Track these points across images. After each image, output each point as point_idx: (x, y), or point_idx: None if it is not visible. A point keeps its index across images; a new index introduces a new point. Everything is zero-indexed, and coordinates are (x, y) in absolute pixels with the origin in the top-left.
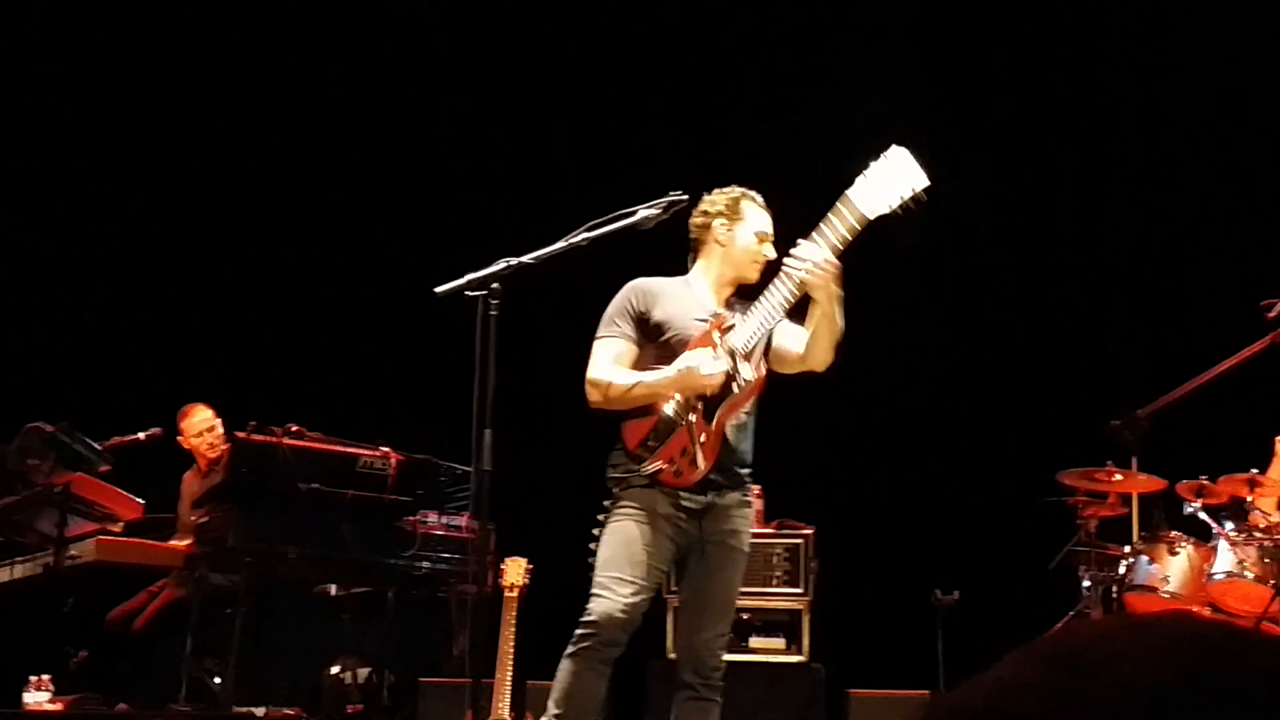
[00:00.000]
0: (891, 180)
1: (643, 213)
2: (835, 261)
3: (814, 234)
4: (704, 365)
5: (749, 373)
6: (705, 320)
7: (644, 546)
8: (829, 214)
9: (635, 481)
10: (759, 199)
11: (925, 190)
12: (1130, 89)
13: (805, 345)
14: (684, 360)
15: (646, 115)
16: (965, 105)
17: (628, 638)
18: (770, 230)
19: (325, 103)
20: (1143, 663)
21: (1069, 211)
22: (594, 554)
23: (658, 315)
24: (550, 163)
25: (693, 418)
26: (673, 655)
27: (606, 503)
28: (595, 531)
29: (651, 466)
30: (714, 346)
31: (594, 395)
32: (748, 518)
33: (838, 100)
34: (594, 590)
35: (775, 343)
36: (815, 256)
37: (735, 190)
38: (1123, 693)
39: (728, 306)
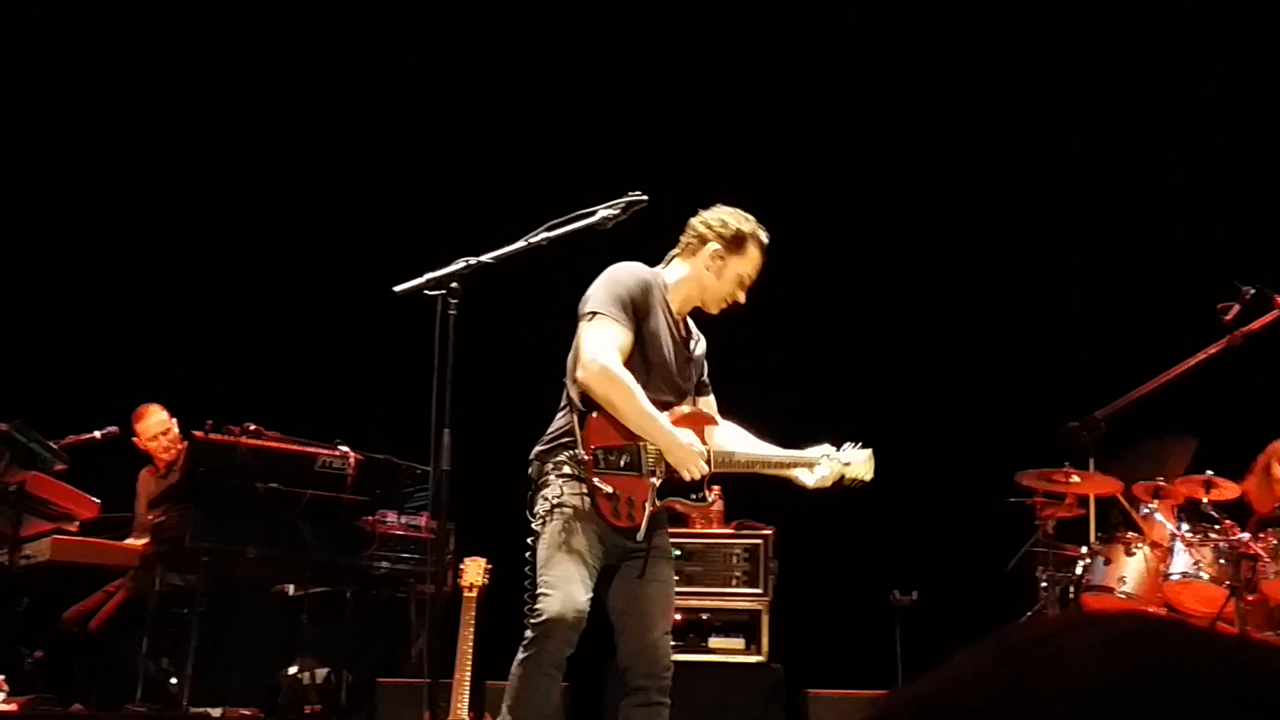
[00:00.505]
0: (859, 463)
1: (602, 213)
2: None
3: (819, 458)
4: (698, 457)
5: (705, 496)
6: (677, 343)
7: (586, 546)
8: (826, 454)
9: (569, 490)
10: (765, 240)
11: (863, 483)
12: (1086, 92)
13: (738, 451)
14: (684, 436)
15: (607, 114)
16: (922, 106)
17: (578, 637)
18: (755, 276)
19: (285, 102)
20: (1091, 658)
21: (1028, 214)
22: (532, 550)
23: (649, 323)
24: (510, 162)
25: (656, 481)
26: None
27: (546, 494)
28: (535, 526)
29: (598, 481)
30: (705, 444)
31: (596, 381)
32: (663, 523)
33: (797, 98)
34: (541, 591)
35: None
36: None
37: (749, 223)
38: (1071, 688)
39: (684, 327)
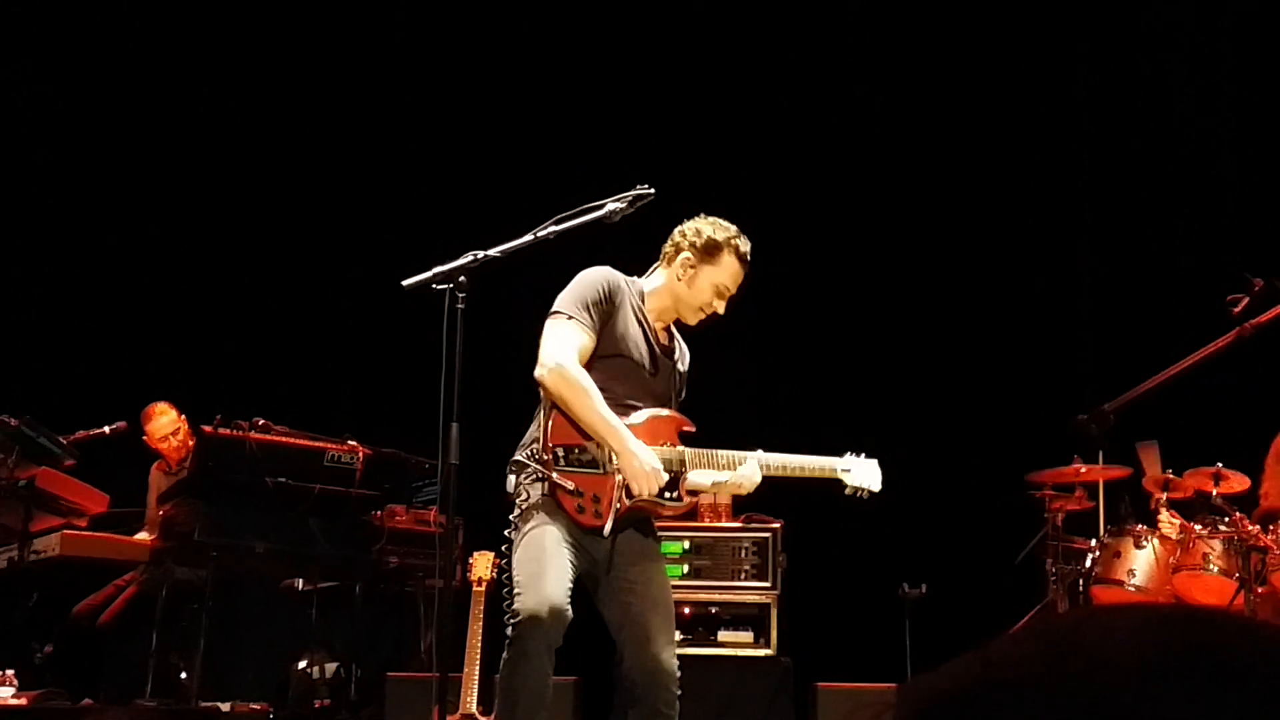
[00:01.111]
0: (863, 473)
1: (609, 206)
2: (757, 483)
3: (778, 458)
4: (650, 476)
5: (682, 495)
6: (653, 350)
7: (556, 542)
8: (804, 456)
9: (535, 493)
10: (743, 248)
11: (871, 494)
12: (1095, 84)
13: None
14: (640, 449)
15: (614, 107)
16: (932, 98)
17: (562, 630)
18: (734, 285)
19: (291, 97)
20: (1134, 638)
21: (1036, 207)
22: (507, 556)
23: (617, 326)
24: (517, 156)
25: (620, 478)
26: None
27: (519, 502)
28: (506, 533)
29: (557, 477)
30: (662, 446)
31: (551, 380)
32: (640, 524)
33: (806, 92)
34: (515, 591)
35: None
36: (754, 482)
37: (725, 232)
38: (1113, 665)
39: (665, 336)
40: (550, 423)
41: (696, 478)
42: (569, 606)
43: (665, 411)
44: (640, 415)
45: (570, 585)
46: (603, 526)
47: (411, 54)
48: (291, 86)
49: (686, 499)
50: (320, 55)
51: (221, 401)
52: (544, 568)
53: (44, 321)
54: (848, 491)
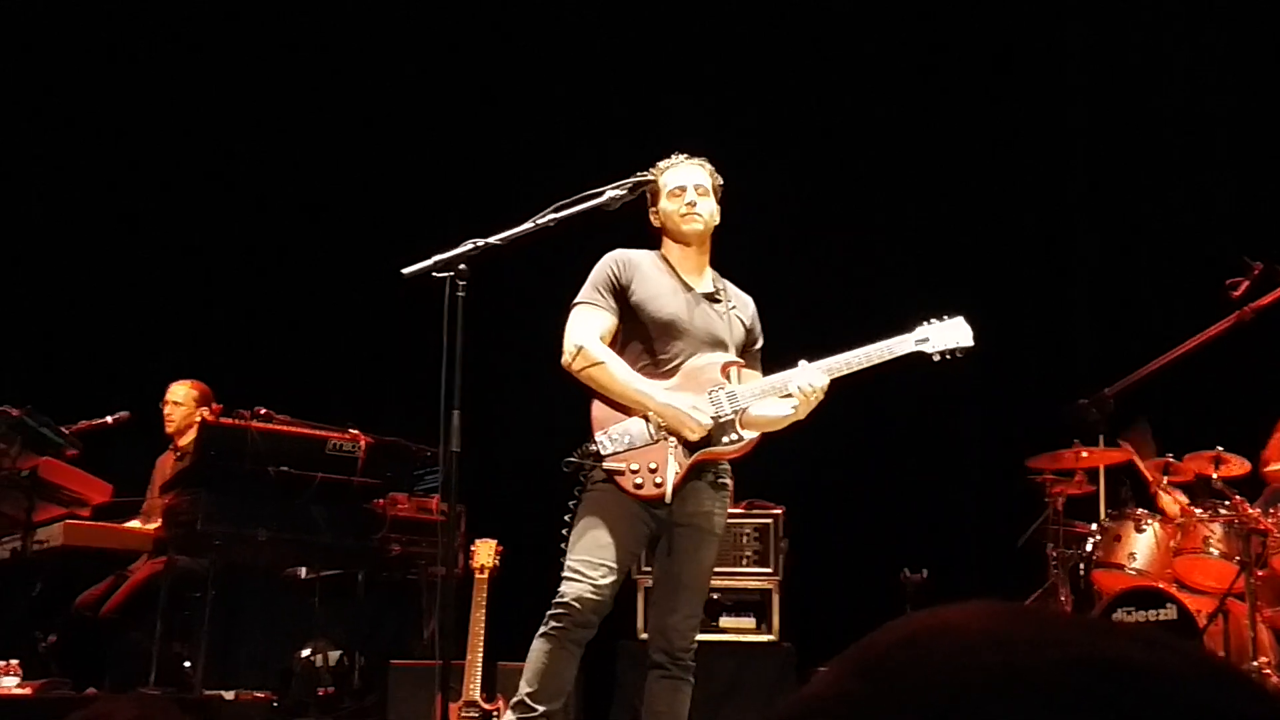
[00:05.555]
0: (947, 334)
1: (610, 193)
2: (824, 386)
3: (839, 358)
4: (692, 416)
5: (741, 434)
6: (689, 301)
7: (614, 530)
8: (869, 346)
9: (596, 476)
10: (676, 157)
11: (966, 352)
12: (1092, 64)
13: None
14: (675, 399)
15: (614, 94)
16: (928, 81)
17: (599, 620)
18: (687, 180)
19: (292, 84)
20: (946, 665)
21: (1035, 189)
22: (566, 537)
23: (638, 291)
24: (518, 143)
25: (673, 441)
26: (644, 635)
27: (577, 489)
28: (567, 518)
29: (611, 464)
30: (710, 393)
31: (577, 363)
32: (722, 500)
33: (802, 87)
34: (565, 573)
35: None
36: (814, 384)
37: (656, 167)
38: (927, 697)
39: (703, 283)
40: (591, 410)
41: (757, 412)
42: (611, 600)
43: (705, 357)
44: (679, 373)
45: (622, 573)
46: (664, 495)
47: (411, 42)
48: (292, 75)
49: (747, 437)
50: (321, 44)
51: (224, 391)
52: (595, 558)
53: (46, 311)
54: (936, 360)
